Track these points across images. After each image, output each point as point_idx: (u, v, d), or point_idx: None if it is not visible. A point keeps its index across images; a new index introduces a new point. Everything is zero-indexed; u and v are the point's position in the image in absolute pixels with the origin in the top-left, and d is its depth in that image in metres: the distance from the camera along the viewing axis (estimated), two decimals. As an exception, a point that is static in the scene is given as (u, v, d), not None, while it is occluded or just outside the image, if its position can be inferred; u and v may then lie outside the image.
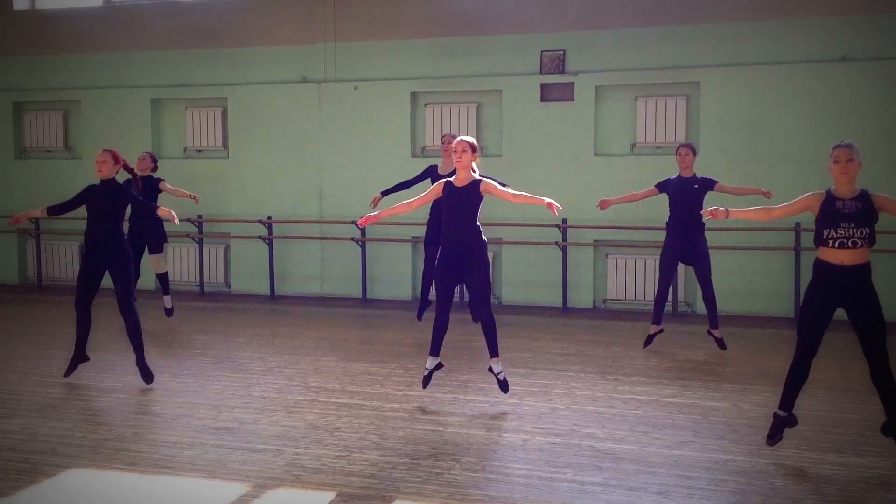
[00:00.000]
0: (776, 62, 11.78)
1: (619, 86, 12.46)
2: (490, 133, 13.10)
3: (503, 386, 7.35)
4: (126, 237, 8.24)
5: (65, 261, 14.90)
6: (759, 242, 11.67)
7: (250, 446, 6.29)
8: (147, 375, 8.01)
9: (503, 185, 7.53)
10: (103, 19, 14.59)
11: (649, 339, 9.54)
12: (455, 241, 7.23)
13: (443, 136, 10.36)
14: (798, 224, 11.47)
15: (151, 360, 8.46)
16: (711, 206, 9.10)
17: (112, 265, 7.94)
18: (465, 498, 5.29)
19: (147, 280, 11.42)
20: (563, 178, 12.62)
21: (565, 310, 12.47)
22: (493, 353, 7.36)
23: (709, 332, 9.42)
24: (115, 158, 8.00)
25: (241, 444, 6.33)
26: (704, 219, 6.28)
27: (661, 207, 10.22)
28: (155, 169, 11.16)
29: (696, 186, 9.30)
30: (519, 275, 12.86)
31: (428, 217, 10.27)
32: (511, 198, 7.33)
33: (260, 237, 13.72)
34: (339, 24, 13.54)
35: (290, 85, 13.81)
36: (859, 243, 5.68)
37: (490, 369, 7.41)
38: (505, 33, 12.86)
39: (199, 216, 13.94)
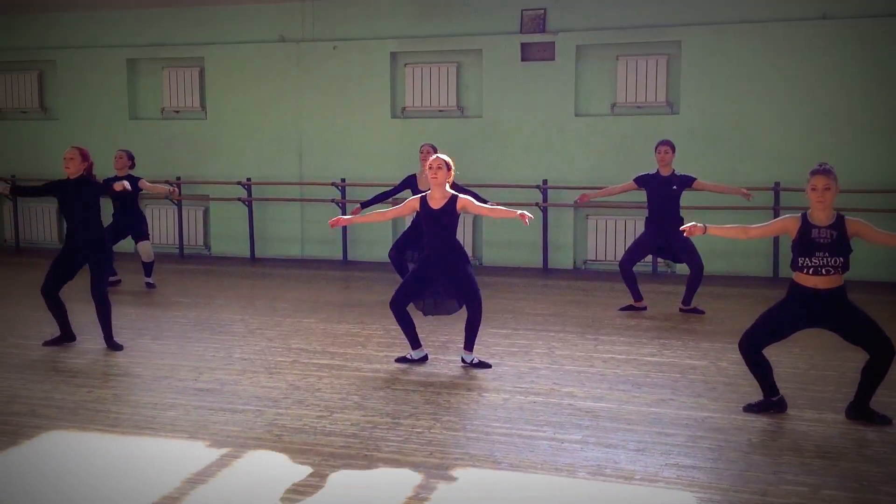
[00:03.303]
0: (757, 21, 11.76)
1: (600, 45, 12.40)
2: (470, 93, 13.03)
3: (480, 366, 7.31)
4: (109, 226, 8.17)
5: (42, 223, 14.78)
6: (737, 203, 11.68)
7: (231, 407, 6.29)
8: (115, 346, 7.99)
9: (483, 201, 7.56)
10: (77, -22, 14.37)
11: (629, 307, 9.59)
12: (435, 260, 7.23)
13: (422, 147, 10.30)
14: (777, 183, 11.53)
15: (130, 321, 8.46)
16: (693, 185, 9.31)
17: (90, 259, 7.92)
18: (445, 456, 5.32)
19: (125, 245, 11.34)
20: (544, 138, 12.61)
21: (546, 271, 12.51)
22: (468, 345, 7.34)
23: (681, 309, 9.45)
24: (84, 156, 7.92)
25: (223, 405, 6.33)
26: (682, 230, 6.32)
27: (641, 169, 10.23)
28: (132, 167, 11.00)
29: (674, 188, 9.29)
30: (500, 236, 12.86)
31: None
32: (487, 212, 7.36)
33: (239, 199, 13.64)
34: (317, -18, 13.38)
35: (268, 44, 13.66)
36: (832, 271, 5.77)
37: (462, 360, 7.38)
38: (485, -8, 12.76)
39: (178, 178, 13.84)
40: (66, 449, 5.57)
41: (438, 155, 7.29)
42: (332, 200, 13.19)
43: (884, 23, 11.29)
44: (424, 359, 7.47)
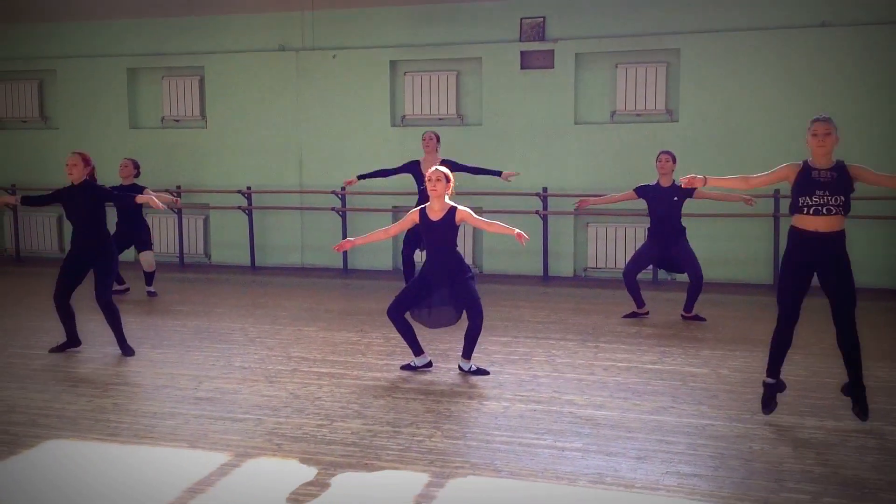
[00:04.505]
0: (756, 28, 11.77)
1: (600, 53, 12.41)
2: (470, 101, 13.04)
3: (478, 373, 7.32)
4: (113, 236, 8.33)
5: (43, 232, 14.78)
6: (738, 210, 11.69)
7: (231, 416, 6.28)
8: (128, 352, 8.05)
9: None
10: (77, -13, 14.39)
11: (632, 314, 9.59)
12: (437, 270, 7.28)
13: (424, 134, 10.73)
14: (777, 191, 11.52)
15: (131, 330, 8.44)
16: (693, 195, 9.26)
17: (96, 263, 8.00)
18: (446, 465, 5.31)
19: (127, 255, 11.37)
20: (543, 146, 12.61)
21: (546, 278, 12.50)
22: (467, 354, 7.35)
23: (682, 315, 9.45)
24: (86, 161, 8.04)
25: (223, 414, 6.33)
26: (679, 182, 6.35)
27: (641, 177, 10.25)
28: (137, 175, 11.04)
29: (675, 199, 9.27)
30: (500, 244, 12.84)
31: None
32: (485, 226, 7.37)
33: (239, 207, 13.64)
34: (317, -9, 13.41)
35: (268, 53, 13.68)
36: (833, 210, 5.78)
37: (459, 367, 7.39)
38: (484, 0, 12.77)
39: (178, 187, 13.85)
40: (66, 458, 5.55)
41: (437, 168, 7.34)
42: (333, 209, 13.19)
43: (884, 30, 11.30)
44: (428, 365, 7.48)
